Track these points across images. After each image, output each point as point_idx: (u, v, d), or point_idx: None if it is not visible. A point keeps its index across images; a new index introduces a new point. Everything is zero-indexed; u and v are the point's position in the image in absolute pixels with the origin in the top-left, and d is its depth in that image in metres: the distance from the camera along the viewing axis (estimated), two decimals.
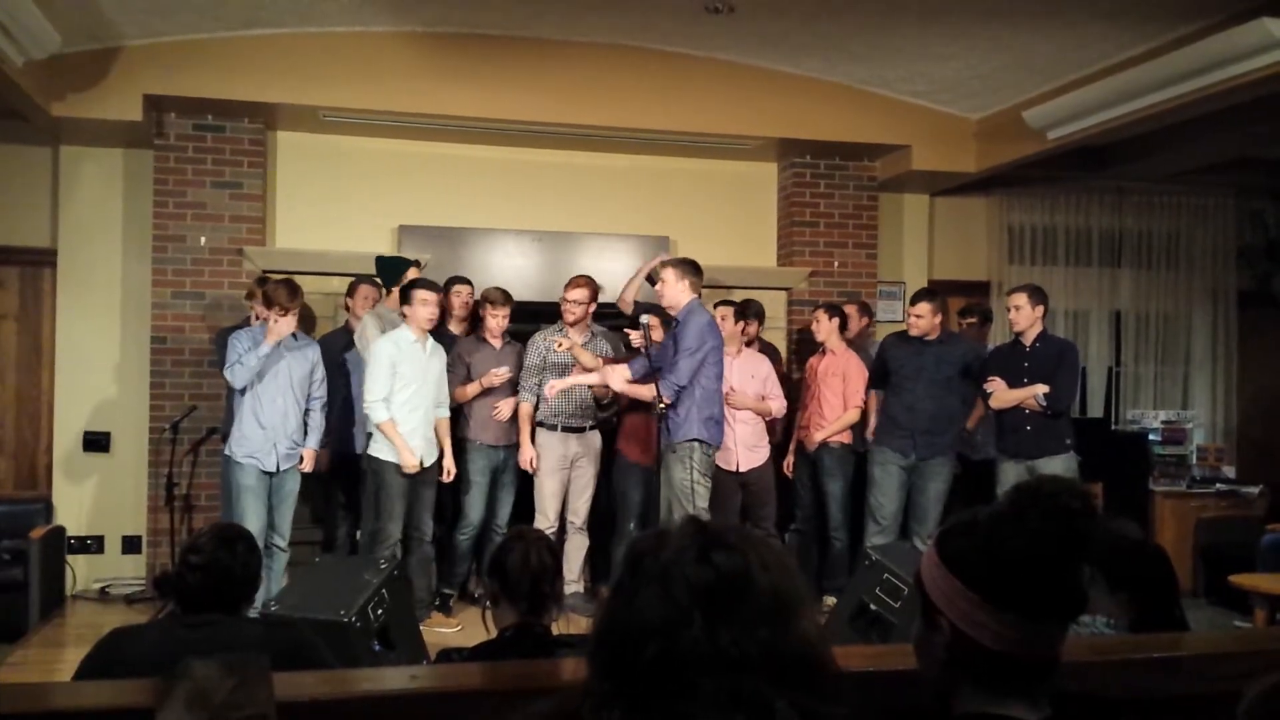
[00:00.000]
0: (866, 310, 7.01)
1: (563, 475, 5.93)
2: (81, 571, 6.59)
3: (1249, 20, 5.01)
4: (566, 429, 5.93)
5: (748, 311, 6.46)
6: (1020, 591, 1.38)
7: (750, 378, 6.07)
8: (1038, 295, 5.76)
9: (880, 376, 6.08)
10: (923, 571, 1.47)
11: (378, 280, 6.11)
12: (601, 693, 1.15)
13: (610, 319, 6.48)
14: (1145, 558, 2.85)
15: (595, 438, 6.03)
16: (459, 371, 5.89)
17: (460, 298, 6.19)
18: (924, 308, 5.89)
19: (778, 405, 6.14)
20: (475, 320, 6.25)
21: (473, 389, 5.85)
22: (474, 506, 5.95)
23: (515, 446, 5.98)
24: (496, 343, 6.02)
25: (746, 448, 6.03)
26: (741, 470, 5.99)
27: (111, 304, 6.74)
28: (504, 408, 5.89)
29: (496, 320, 5.96)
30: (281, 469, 5.45)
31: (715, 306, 6.19)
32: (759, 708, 1.11)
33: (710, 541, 1.18)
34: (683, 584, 1.14)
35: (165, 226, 6.52)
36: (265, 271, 6.37)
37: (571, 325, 5.94)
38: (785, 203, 7.58)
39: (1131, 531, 2.75)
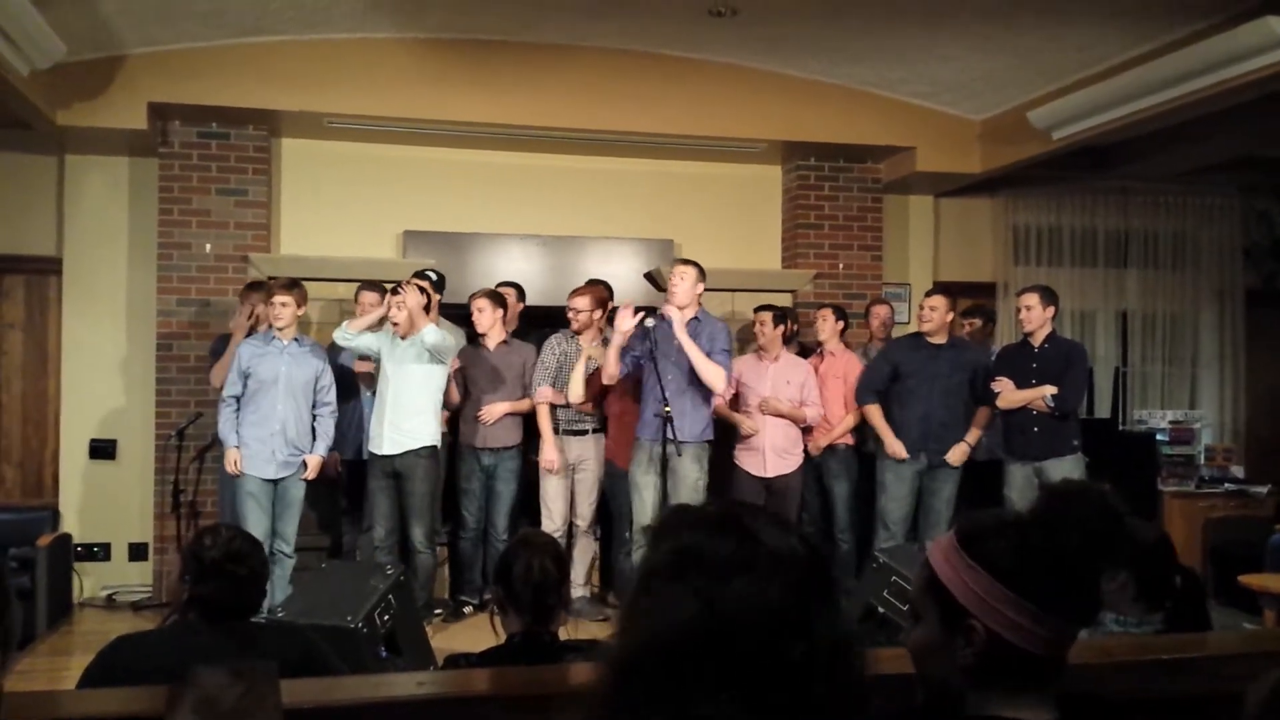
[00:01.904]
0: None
1: (566, 478, 5.91)
2: (88, 579, 6.60)
3: (1253, 19, 5.00)
4: (568, 432, 5.91)
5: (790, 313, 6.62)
6: (1068, 593, 1.38)
7: (786, 383, 6.04)
8: (1049, 296, 5.75)
9: (882, 380, 5.92)
10: (945, 576, 1.42)
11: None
12: (724, 708, 1.00)
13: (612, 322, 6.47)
14: (1176, 562, 2.80)
15: (599, 440, 6.00)
16: (457, 377, 5.91)
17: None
18: (939, 300, 5.88)
19: (813, 412, 6.06)
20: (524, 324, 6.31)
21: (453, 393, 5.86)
22: (468, 511, 5.98)
23: (506, 450, 5.96)
24: (491, 343, 5.99)
25: (776, 453, 5.99)
26: (768, 475, 5.96)
27: (117, 311, 6.75)
28: (489, 413, 5.88)
29: (474, 315, 5.93)
30: (281, 476, 5.43)
31: (756, 311, 6.21)
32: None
33: (780, 519, 1.11)
34: (797, 567, 1.05)
35: (170, 234, 6.54)
36: (270, 278, 6.37)
37: (578, 333, 5.92)
38: (789, 205, 7.58)
39: (1148, 532, 2.72)
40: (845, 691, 1.05)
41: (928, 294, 6.06)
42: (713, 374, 5.30)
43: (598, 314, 5.95)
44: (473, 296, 6.01)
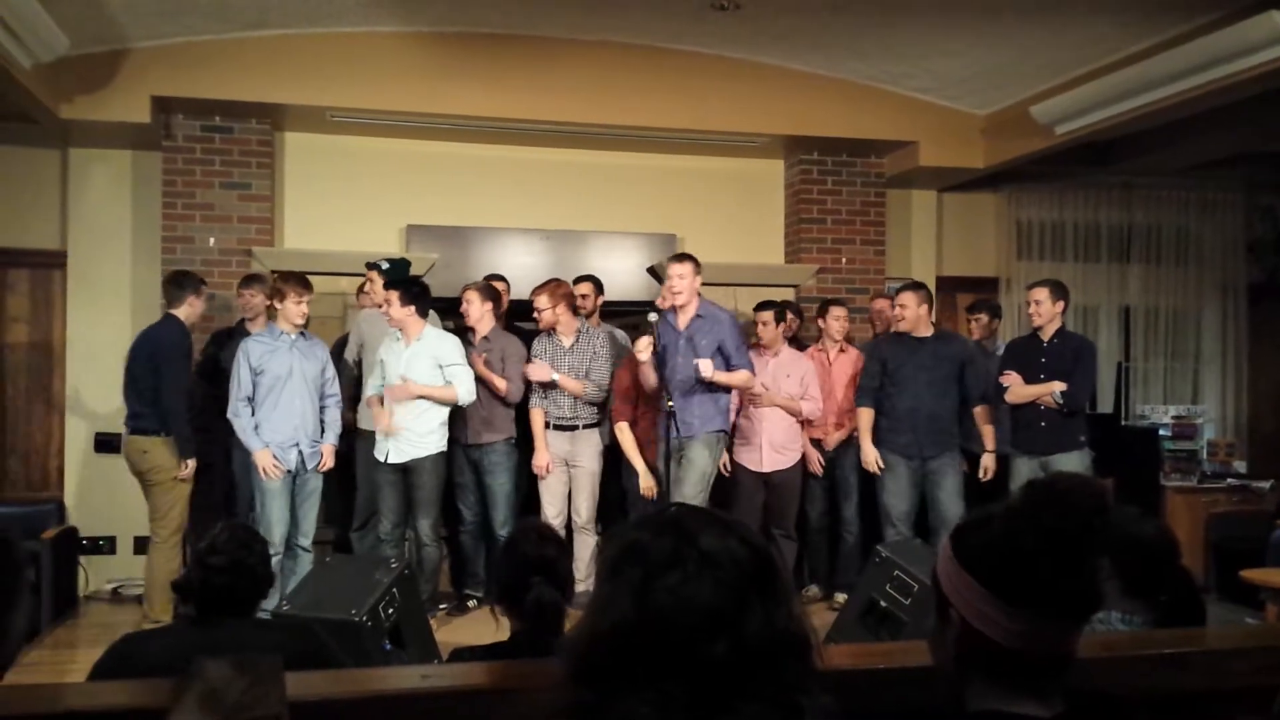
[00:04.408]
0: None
1: (562, 473, 5.87)
2: (93, 572, 6.61)
3: (1256, 14, 5.00)
4: (557, 427, 5.84)
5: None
6: (1032, 588, 1.37)
7: (785, 377, 6.01)
8: (1059, 290, 5.73)
9: (877, 379, 5.86)
10: (938, 566, 1.47)
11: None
12: (660, 695, 1.05)
13: (617, 316, 6.47)
14: (1176, 559, 2.78)
15: (592, 436, 5.88)
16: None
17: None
18: (907, 296, 5.77)
19: (810, 406, 6.02)
20: (512, 316, 6.26)
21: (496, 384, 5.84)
22: (464, 505, 5.94)
23: (492, 444, 5.86)
24: (477, 337, 5.90)
25: (774, 449, 5.96)
26: (765, 470, 5.94)
27: (121, 305, 6.76)
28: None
29: (464, 307, 5.88)
30: (306, 468, 5.42)
31: (756, 310, 6.19)
32: (791, 707, 1.07)
33: (726, 522, 1.15)
34: (732, 568, 1.09)
35: (174, 228, 6.55)
36: (273, 272, 6.37)
37: (548, 331, 5.84)
38: (792, 200, 7.58)
39: (1150, 529, 2.71)
40: (780, 690, 1.07)
41: (897, 291, 5.94)
42: (743, 381, 5.47)
43: (560, 309, 5.83)
44: (464, 289, 5.98)
